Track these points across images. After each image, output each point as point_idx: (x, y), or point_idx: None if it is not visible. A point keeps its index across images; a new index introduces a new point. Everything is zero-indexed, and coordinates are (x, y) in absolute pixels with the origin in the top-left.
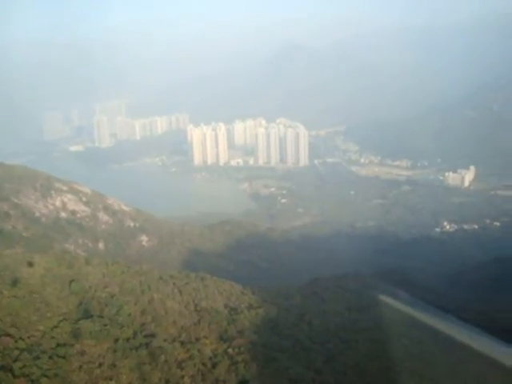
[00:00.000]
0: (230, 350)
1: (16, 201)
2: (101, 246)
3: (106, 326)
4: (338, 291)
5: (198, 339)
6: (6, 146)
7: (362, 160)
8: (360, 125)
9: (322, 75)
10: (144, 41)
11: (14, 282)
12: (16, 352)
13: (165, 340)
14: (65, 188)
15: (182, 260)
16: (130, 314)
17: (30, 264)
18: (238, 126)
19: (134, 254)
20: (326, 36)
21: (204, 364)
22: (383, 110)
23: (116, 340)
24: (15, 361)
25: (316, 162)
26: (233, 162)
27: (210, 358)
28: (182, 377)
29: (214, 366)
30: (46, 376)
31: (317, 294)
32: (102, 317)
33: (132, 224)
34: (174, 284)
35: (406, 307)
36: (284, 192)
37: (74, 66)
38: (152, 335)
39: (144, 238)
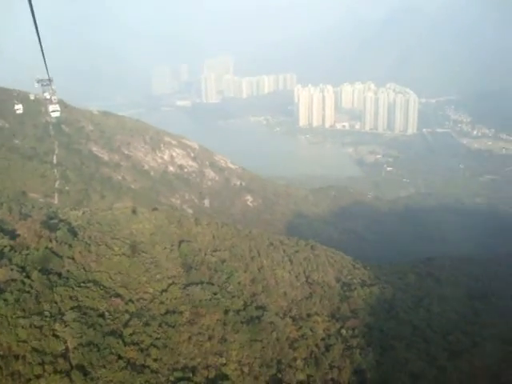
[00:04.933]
0: (343, 332)
1: (127, 152)
2: (206, 202)
3: (215, 294)
4: (454, 273)
5: (309, 315)
6: (118, 98)
7: (475, 132)
8: (473, 95)
9: (435, 40)
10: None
11: (133, 248)
12: (126, 316)
13: (276, 314)
14: (174, 142)
15: (286, 222)
16: (239, 283)
17: (134, 212)
18: (346, 89)
19: (238, 213)
20: None
21: (317, 345)
22: (500, 79)
23: (226, 311)
24: (125, 326)
25: (425, 131)
26: (338, 126)
27: (323, 339)
28: (295, 359)
29: (327, 348)
30: (155, 346)
31: (432, 275)
32: (211, 284)
33: (238, 182)
34: (284, 251)
35: None
36: (390, 160)
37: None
38: (262, 307)
39: (249, 198)
